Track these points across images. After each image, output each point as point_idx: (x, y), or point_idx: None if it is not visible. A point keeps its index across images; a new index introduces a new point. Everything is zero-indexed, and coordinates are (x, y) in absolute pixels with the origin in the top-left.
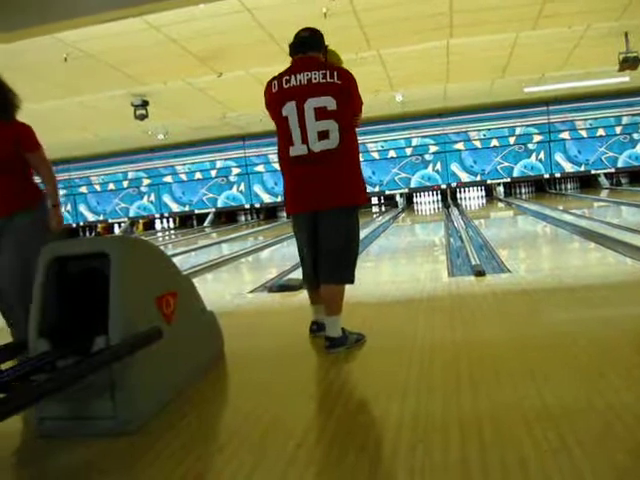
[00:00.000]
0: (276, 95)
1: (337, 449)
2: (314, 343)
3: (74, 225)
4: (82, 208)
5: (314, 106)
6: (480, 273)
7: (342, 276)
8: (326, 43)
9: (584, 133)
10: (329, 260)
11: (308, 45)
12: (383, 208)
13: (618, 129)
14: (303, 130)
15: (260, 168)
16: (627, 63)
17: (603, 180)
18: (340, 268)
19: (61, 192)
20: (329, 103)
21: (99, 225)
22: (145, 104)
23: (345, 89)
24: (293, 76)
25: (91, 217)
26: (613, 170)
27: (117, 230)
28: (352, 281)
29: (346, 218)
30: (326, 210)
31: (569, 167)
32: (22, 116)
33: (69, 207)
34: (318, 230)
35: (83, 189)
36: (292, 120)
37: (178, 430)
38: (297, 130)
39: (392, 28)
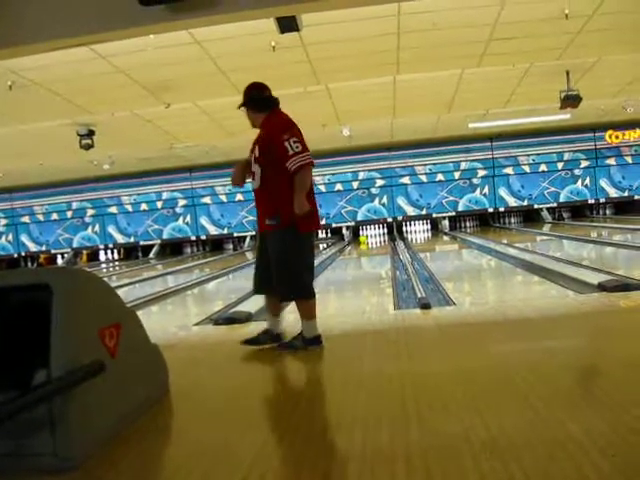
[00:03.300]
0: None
1: None
2: (260, 375)
3: (15, 255)
4: (24, 238)
5: None
6: (426, 306)
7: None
8: (275, 76)
9: (527, 168)
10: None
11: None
12: (329, 242)
13: (560, 165)
14: None
15: (207, 200)
16: (568, 101)
17: (545, 214)
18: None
19: (3, 222)
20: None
21: (41, 255)
22: (91, 134)
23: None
24: None
25: (33, 247)
26: (555, 205)
27: (60, 261)
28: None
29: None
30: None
31: (512, 201)
32: None
33: (10, 237)
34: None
35: (26, 218)
36: None
37: (120, 467)
38: None
39: (340, 63)
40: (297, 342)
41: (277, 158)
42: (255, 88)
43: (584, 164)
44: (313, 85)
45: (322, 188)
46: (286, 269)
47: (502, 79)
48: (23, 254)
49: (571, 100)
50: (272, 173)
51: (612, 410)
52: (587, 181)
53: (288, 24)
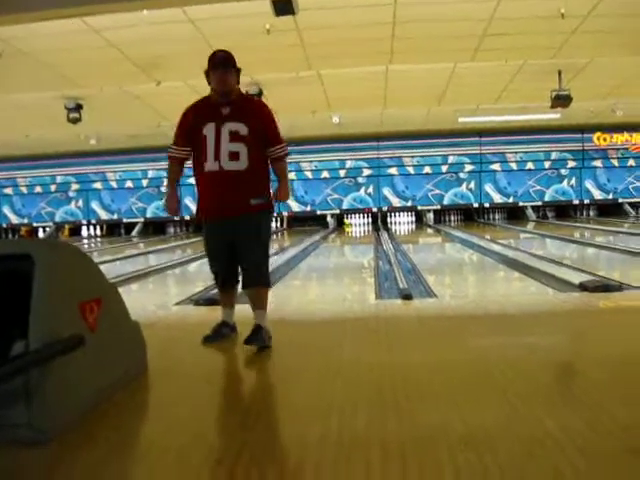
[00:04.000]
0: None
1: (258, 466)
2: (238, 358)
3: None
4: (6, 210)
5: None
6: (407, 297)
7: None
8: (267, 60)
9: (514, 166)
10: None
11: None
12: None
13: (547, 164)
14: None
15: (192, 180)
16: (559, 100)
17: (530, 213)
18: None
19: None
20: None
21: (22, 228)
22: (79, 107)
23: None
24: None
25: (15, 219)
26: (540, 203)
27: (41, 234)
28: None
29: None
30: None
31: (498, 198)
32: None
33: None
34: None
35: (8, 190)
36: None
37: (96, 441)
38: None
39: (334, 49)
40: (263, 334)
41: (264, 140)
42: (234, 56)
43: (571, 164)
44: (305, 70)
45: (309, 175)
46: (266, 252)
47: (494, 75)
48: (4, 226)
49: (562, 100)
50: (257, 154)
51: (590, 409)
52: (573, 181)
53: (284, 7)
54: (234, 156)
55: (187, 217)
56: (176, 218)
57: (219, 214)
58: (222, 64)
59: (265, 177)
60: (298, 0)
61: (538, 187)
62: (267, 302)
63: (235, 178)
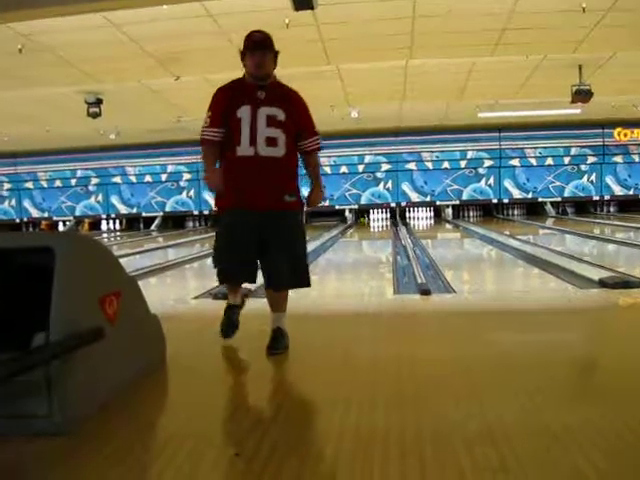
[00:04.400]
0: None
1: (277, 459)
2: (257, 352)
3: (17, 220)
4: (27, 204)
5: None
6: (425, 292)
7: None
8: (286, 54)
9: (533, 161)
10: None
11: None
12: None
13: (566, 159)
14: None
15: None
16: (579, 95)
17: (549, 208)
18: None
19: (6, 186)
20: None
21: (43, 222)
22: (99, 102)
23: None
24: None
25: (35, 213)
26: (560, 199)
27: (61, 228)
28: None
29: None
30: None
31: (517, 193)
32: None
33: (13, 202)
34: None
35: (29, 184)
36: None
37: (115, 433)
38: None
39: (353, 44)
40: (284, 340)
41: (298, 130)
42: (272, 39)
43: (591, 160)
44: (324, 65)
45: (327, 170)
46: (305, 255)
47: (514, 70)
48: (25, 220)
49: (582, 95)
50: (292, 143)
51: (609, 405)
52: (593, 177)
53: (303, 2)
54: (272, 142)
55: (206, 212)
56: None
57: (249, 206)
58: (260, 46)
59: (296, 171)
60: None
61: (558, 183)
62: (286, 305)
63: (271, 166)
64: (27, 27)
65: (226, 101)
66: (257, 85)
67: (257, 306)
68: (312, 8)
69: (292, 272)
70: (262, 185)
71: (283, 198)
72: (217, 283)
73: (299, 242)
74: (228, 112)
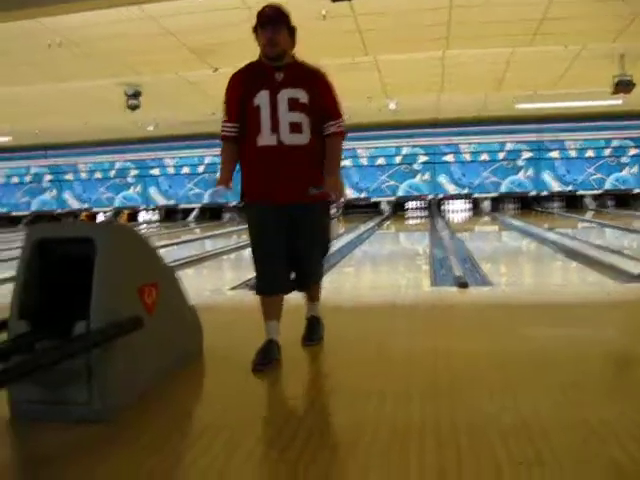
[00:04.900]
0: None
1: (311, 449)
2: (293, 343)
3: (58, 211)
4: (67, 195)
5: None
6: (463, 284)
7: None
8: (323, 45)
9: (573, 153)
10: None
11: None
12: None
13: (607, 151)
14: None
15: None
16: (621, 86)
17: (589, 201)
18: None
19: (48, 177)
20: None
21: (82, 213)
22: (138, 94)
23: None
24: None
25: (75, 204)
26: (600, 192)
27: (100, 219)
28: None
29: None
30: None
31: (556, 186)
32: (9, 100)
33: (54, 193)
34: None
35: (69, 176)
36: None
37: (152, 422)
38: None
39: (390, 35)
40: (320, 330)
41: (322, 112)
42: (287, 12)
43: (632, 152)
44: (361, 56)
45: (364, 161)
46: (327, 249)
47: (553, 60)
48: (66, 210)
49: (624, 85)
50: (317, 128)
51: None
52: (635, 169)
53: None
54: (296, 127)
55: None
56: (223, 201)
57: (274, 199)
58: (272, 21)
59: (321, 160)
60: None
61: (598, 175)
62: (320, 293)
63: (297, 154)
64: (65, 22)
65: (242, 88)
66: (274, 66)
67: (290, 296)
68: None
69: (312, 271)
70: (287, 177)
71: (310, 190)
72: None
73: (323, 240)
74: (245, 100)
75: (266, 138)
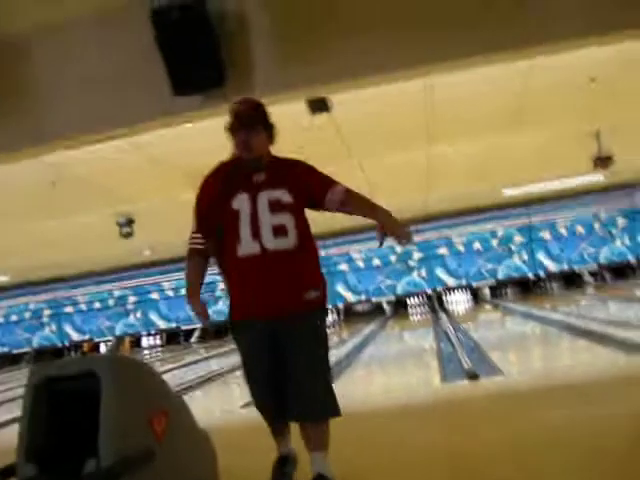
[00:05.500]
0: None
1: None
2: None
3: (59, 345)
4: (67, 328)
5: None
6: (473, 376)
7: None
8: (308, 155)
9: (564, 231)
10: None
11: None
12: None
13: (597, 225)
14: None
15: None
16: (599, 162)
17: (587, 278)
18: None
19: (47, 312)
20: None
21: (85, 345)
22: (130, 222)
23: None
24: None
25: (76, 337)
26: (596, 266)
27: (103, 349)
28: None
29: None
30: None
31: (552, 266)
32: (8, 235)
33: (54, 327)
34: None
35: (69, 309)
36: None
37: None
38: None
39: (370, 139)
40: None
41: (313, 193)
42: (264, 109)
43: (621, 223)
44: (345, 159)
45: (360, 264)
46: (328, 372)
47: (534, 145)
48: (67, 344)
49: (601, 161)
50: (304, 226)
51: None
52: (626, 240)
53: (318, 105)
54: (280, 230)
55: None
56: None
57: (263, 313)
58: (246, 122)
59: (316, 258)
60: (333, 98)
61: (591, 250)
62: (329, 438)
63: (283, 261)
64: (59, 160)
65: (215, 193)
66: (253, 167)
67: None
68: (328, 111)
69: (316, 397)
70: (276, 288)
71: (302, 296)
72: None
73: (321, 354)
74: (220, 205)
75: (247, 246)
